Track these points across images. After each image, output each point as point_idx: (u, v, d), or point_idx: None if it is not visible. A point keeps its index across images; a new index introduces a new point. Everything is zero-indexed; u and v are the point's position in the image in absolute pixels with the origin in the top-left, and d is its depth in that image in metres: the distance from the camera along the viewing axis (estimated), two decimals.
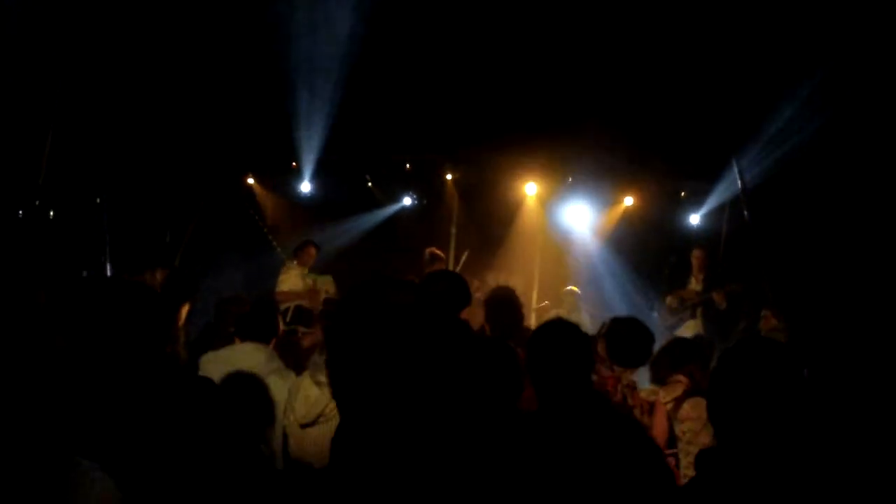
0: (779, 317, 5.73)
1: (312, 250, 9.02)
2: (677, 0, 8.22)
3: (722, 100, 8.98)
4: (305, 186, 11.99)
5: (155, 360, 1.94)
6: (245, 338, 4.10)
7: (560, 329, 2.84)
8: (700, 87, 8.97)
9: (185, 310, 4.65)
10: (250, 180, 12.29)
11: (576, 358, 2.70)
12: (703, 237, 10.47)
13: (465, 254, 10.03)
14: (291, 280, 8.62)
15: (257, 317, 4.22)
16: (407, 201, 12.94)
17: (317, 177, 11.99)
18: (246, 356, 3.94)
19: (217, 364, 3.87)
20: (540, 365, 2.73)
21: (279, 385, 3.83)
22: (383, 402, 1.40)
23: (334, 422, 3.20)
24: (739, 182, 8.77)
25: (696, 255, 8.66)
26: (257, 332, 4.12)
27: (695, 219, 11.50)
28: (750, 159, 9.50)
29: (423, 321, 1.46)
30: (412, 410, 1.40)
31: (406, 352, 1.41)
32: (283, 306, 8.14)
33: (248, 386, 3.74)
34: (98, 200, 9.20)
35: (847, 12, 7.64)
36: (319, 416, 3.29)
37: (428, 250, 9.12)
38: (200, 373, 3.68)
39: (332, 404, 3.21)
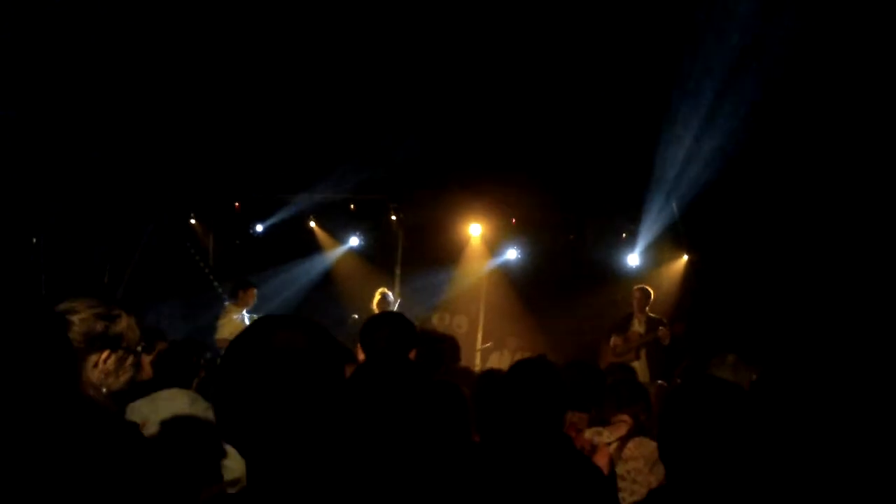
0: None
1: (254, 291, 8.62)
2: (615, 48, 8.45)
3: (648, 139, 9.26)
4: (258, 227, 11.99)
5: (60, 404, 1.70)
6: (164, 384, 3.81)
7: (536, 368, 2.88)
8: (636, 130, 9.21)
9: (102, 357, 4.35)
10: (192, 220, 12.14)
11: (553, 398, 2.76)
12: (644, 277, 10.47)
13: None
14: (233, 324, 8.16)
15: (173, 360, 3.99)
16: (353, 241, 12.89)
17: (260, 217, 11.92)
18: (167, 403, 3.70)
19: (134, 415, 3.50)
20: (512, 404, 2.76)
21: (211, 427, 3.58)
22: (273, 444, 1.34)
23: None
24: (675, 213, 8.94)
25: (635, 296, 8.63)
26: (175, 375, 3.89)
27: (633, 259, 11.46)
28: (678, 194, 9.71)
29: (314, 365, 1.38)
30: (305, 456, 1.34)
31: (291, 396, 1.35)
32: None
33: (171, 432, 3.50)
34: (34, 240, 8.98)
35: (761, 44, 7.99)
36: None
37: (380, 291, 9.15)
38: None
39: None
